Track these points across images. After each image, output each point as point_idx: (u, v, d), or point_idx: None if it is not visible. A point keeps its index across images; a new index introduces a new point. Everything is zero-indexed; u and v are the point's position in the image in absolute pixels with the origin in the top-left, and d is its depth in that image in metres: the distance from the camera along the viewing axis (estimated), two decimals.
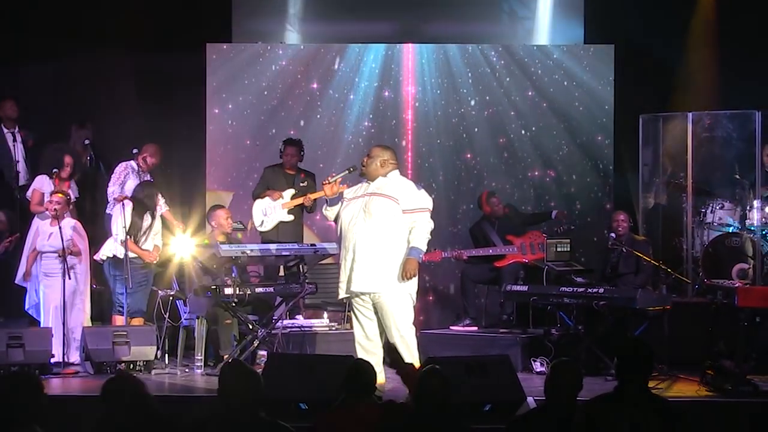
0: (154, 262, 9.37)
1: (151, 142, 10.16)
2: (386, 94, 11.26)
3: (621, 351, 4.97)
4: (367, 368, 5.51)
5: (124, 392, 4.85)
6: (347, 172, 7.87)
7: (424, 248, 7.66)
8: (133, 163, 9.98)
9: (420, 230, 7.56)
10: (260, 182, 10.08)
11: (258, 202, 9.97)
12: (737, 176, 10.10)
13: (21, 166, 10.23)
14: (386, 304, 7.52)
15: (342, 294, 7.66)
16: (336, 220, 7.74)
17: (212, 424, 4.71)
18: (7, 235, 9.79)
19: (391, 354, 6.12)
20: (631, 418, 4.68)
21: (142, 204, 9.28)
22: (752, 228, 9.75)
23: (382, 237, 7.50)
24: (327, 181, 7.71)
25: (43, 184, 9.67)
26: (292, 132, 10.82)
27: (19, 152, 10.24)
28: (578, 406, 4.94)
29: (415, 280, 7.56)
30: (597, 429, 4.76)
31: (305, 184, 10.00)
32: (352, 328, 9.61)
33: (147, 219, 9.31)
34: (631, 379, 4.86)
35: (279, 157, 10.12)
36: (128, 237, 9.09)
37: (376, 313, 7.60)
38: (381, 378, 7.35)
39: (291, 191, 9.94)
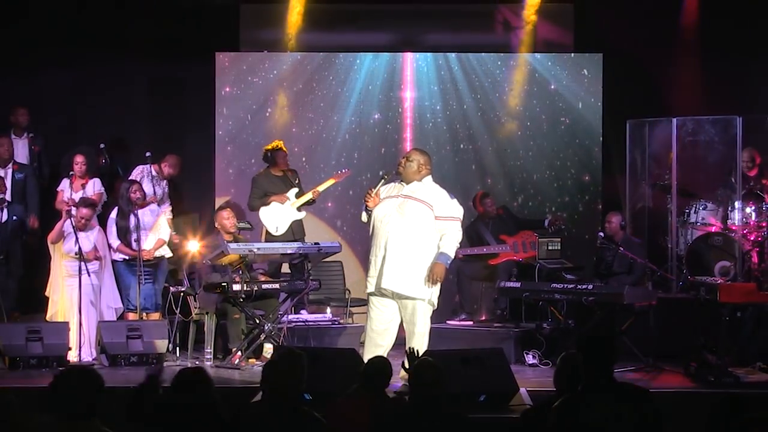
0: (152, 258, 9.42)
1: (162, 148, 10.39)
2: (386, 100, 11.40)
3: (581, 348, 4.78)
4: (386, 367, 5.66)
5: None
6: (383, 181, 7.94)
7: (452, 256, 7.81)
8: (149, 167, 10.17)
9: (450, 238, 7.72)
10: (255, 192, 10.05)
11: (264, 209, 10.00)
12: (733, 179, 10.14)
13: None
14: (413, 307, 7.71)
15: (371, 288, 7.78)
16: (368, 219, 7.87)
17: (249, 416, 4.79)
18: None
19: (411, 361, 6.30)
20: (604, 410, 4.60)
21: (120, 205, 9.43)
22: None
23: (414, 239, 7.65)
24: (369, 196, 7.76)
25: (64, 185, 10.04)
26: (293, 131, 11.04)
27: (24, 157, 10.41)
28: (551, 408, 4.76)
29: (438, 286, 7.75)
30: (571, 427, 4.64)
31: (297, 180, 10.19)
32: (353, 322, 9.99)
33: (132, 219, 9.33)
34: (596, 373, 4.71)
35: (271, 162, 10.16)
36: (119, 240, 9.32)
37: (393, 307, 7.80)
38: None
39: (294, 190, 10.07)
